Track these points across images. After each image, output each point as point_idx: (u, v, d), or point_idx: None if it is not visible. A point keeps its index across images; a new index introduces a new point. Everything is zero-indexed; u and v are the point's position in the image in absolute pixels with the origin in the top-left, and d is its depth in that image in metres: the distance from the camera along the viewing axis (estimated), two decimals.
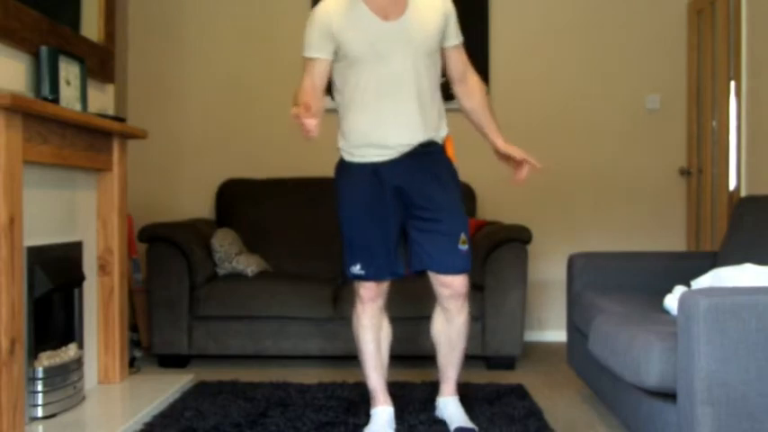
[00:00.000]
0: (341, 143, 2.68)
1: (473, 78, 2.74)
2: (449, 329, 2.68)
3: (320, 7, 2.56)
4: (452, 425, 2.67)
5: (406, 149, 2.56)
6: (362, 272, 2.57)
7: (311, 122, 2.28)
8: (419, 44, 2.54)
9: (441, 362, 2.75)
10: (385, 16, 2.52)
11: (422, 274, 2.66)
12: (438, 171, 2.61)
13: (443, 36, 2.61)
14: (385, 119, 2.54)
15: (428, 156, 2.60)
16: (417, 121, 2.56)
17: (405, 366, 3.41)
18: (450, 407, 2.74)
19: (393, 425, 2.66)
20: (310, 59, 2.58)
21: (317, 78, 2.59)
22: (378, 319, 2.66)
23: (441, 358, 2.75)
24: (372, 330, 2.65)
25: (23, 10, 2.60)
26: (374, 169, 2.58)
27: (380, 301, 2.65)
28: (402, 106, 2.54)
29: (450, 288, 2.59)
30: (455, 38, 2.65)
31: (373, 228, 2.58)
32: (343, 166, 2.68)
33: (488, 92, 4.50)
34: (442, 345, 2.72)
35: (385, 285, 2.64)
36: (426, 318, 2.78)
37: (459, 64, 2.70)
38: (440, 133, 2.66)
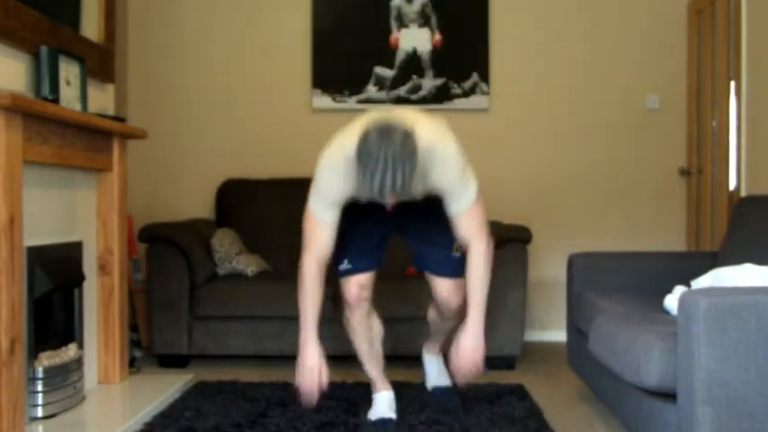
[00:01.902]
0: None
1: (476, 249, 2.53)
2: (442, 324, 2.92)
3: (328, 183, 2.46)
4: (430, 382, 3.07)
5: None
6: (350, 266, 2.68)
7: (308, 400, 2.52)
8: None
9: (432, 336, 3.06)
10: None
11: (421, 274, 2.88)
12: (435, 202, 2.60)
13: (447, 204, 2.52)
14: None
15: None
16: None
17: (405, 366, 3.41)
18: (432, 364, 3.10)
19: (394, 407, 2.80)
20: (319, 221, 2.52)
21: (326, 244, 2.54)
22: (366, 322, 2.74)
23: (432, 335, 3.05)
24: (362, 333, 2.75)
25: (23, 10, 2.60)
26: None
27: (366, 304, 2.71)
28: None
29: (442, 290, 2.76)
30: (454, 207, 2.50)
31: (365, 229, 2.70)
32: None
33: (488, 92, 4.55)
34: (434, 329, 3.00)
35: (370, 285, 2.71)
36: (424, 318, 3.02)
37: (460, 231, 2.54)
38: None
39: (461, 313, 2.70)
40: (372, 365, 2.81)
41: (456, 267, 2.71)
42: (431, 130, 2.43)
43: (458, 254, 2.71)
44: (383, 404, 2.80)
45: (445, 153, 2.42)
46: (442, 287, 2.76)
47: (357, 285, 2.67)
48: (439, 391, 3.04)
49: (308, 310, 2.54)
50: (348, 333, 2.77)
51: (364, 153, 2.22)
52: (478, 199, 2.51)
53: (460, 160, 2.46)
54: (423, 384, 3.15)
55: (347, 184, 2.42)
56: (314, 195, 2.50)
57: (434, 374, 3.09)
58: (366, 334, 2.74)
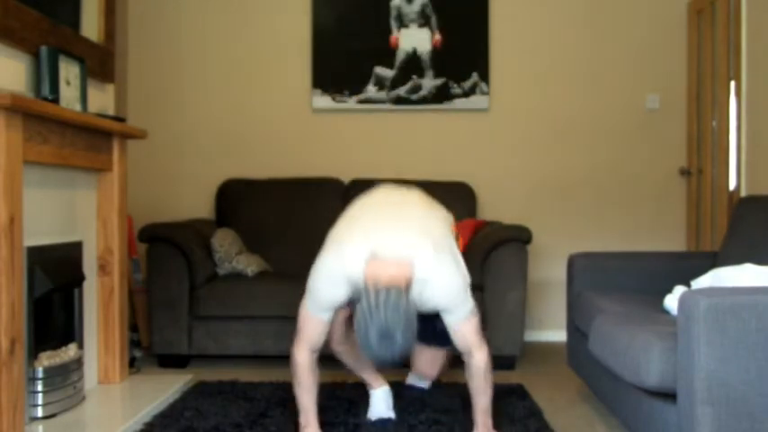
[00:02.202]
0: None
1: (476, 360, 2.46)
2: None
3: (324, 292, 2.41)
4: (407, 380, 3.31)
5: None
6: None
7: None
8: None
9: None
10: None
11: None
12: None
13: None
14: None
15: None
16: None
17: (404, 366, 3.41)
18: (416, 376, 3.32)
19: (392, 404, 2.84)
20: (315, 317, 2.48)
21: (320, 336, 2.50)
22: (349, 341, 2.77)
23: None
24: (347, 351, 2.81)
25: (23, 10, 2.60)
26: None
27: (341, 327, 2.76)
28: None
29: (423, 361, 3.08)
30: (449, 318, 2.44)
31: None
32: None
33: (488, 92, 4.55)
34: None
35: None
36: None
37: (460, 339, 2.46)
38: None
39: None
40: (364, 370, 2.85)
41: (440, 339, 2.69)
42: (430, 262, 2.34)
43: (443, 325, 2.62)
44: (381, 402, 2.83)
45: (440, 284, 2.36)
46: (424, 358, 3.05)
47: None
48: (412, 388, 3.26)
49: (305, 397, 2.52)
50: (335, 355, 2.82)
51: (366, 347, 2.20)
52: (473, 314, 2.46)
53: (460, 284, 2.40)
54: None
55: (345, 294, 2.37)
56: (309, 298, 2.44)
57: (415, 378, 3.33)
58: (351, 351, 2.79)
